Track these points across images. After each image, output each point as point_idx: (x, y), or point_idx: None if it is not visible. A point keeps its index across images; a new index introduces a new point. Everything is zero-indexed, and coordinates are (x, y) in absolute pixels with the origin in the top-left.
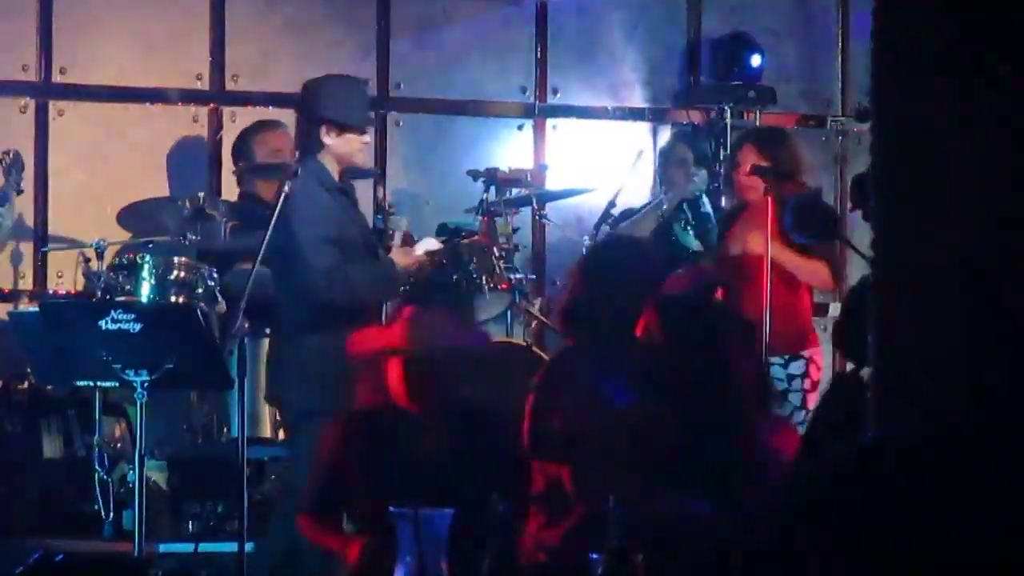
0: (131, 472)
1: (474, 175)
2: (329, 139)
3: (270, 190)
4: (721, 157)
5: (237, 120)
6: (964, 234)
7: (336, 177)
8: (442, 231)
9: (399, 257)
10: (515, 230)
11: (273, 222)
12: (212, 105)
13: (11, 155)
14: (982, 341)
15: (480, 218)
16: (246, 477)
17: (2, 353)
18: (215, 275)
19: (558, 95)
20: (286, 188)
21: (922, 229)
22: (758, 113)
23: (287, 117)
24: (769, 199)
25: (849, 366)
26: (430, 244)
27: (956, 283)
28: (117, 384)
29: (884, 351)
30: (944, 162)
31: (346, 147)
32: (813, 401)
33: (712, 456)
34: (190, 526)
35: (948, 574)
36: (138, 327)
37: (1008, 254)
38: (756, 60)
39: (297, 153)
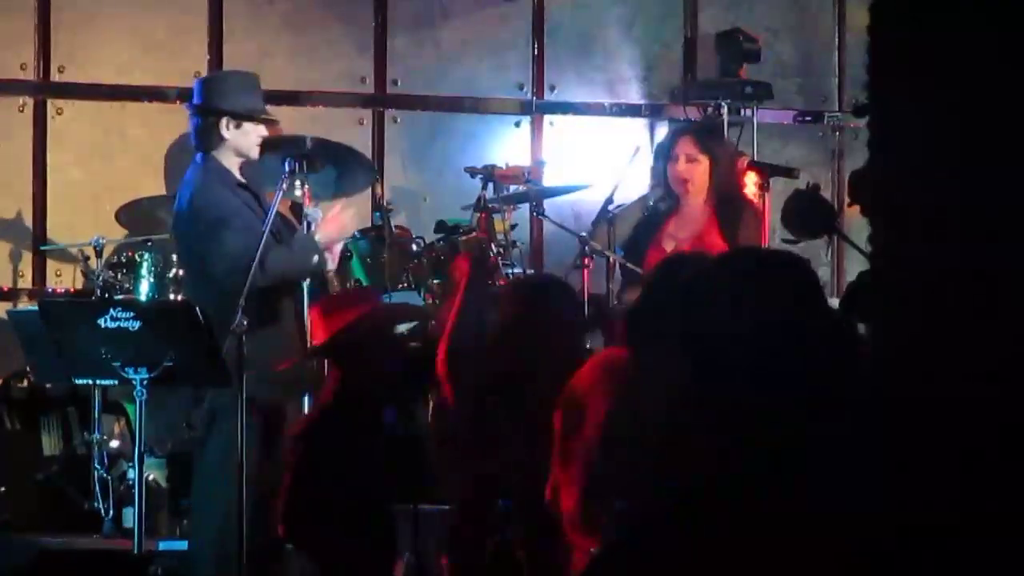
0: (130, 470)
1: (472, 172)
2: (228, 133)
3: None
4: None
5: None
6: (964, 230)
7: (236, 172)
8: (440, 228)
9: (321, 230)
10: (513, 227)
11: (175, 206)
12: None
13: None
14: (983, 336)
15: (478, 215)
16: (244, 474)
17: (1, 351)
18: None
19: (555, 91)
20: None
21: (921, 225)
22: (755, 109)
23: (285, 114)
24: (766, 196)
25: None
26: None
27: (957, 279)
28: (116, 382)
29: (884, 346)
30: (942, 157)
31: (244, 140)
32: None
33: None
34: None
35: None
36: (137, 325)
37: (1008, 250)
38: (757, 56)
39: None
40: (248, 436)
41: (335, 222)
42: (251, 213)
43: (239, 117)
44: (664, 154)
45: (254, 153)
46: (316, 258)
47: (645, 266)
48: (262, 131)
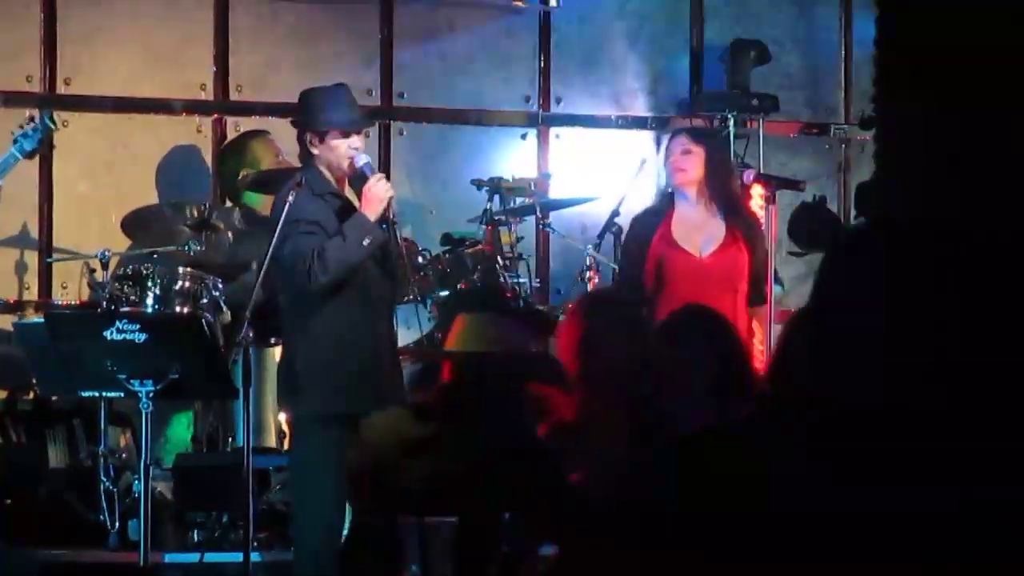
0: (136, 482)
1: (478, 184)
2: (315, 148)
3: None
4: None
5: (241, 130)
6: (968, 240)
7: (333, 183)
8: (446, 241)
9: (366, 204)
10: (519, 239)
11: (277, 230)
12: (216, 115)
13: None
14: (989, 342)
15: (484, 227)
16: (251, 487)
17: (7, 364)
18: (219, 285)
19: (561, 104)
20: (290, 197)
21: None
22: (761, 121)
23: (291, 127)
24: (772, 209)
25: None
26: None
27: (961, 285)
28: (122, 394)
29: None
30: (948, 170)
31: (330, 154)
32: None
33: None
34: (195, 536)
35: None
36: (143, 337)
37: (1013, 257)
38: (766, 56)
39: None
40: (328, 451)
41: (373, 197)
42: (334, 221)
43: (319, 133)
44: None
45: (345, 165)
46: (368, 240)
47: (649, 265)
48: (354, 143)
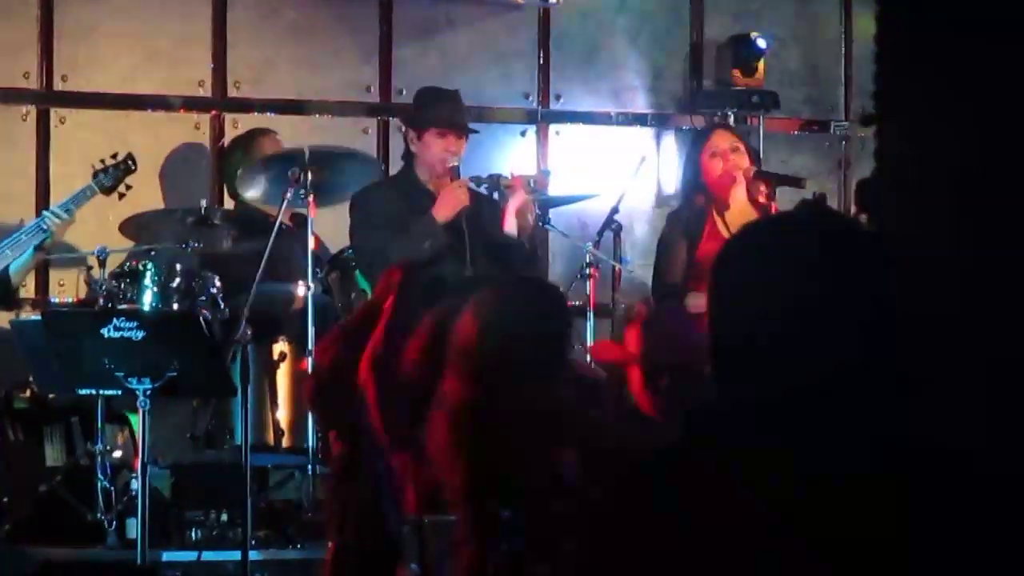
0: (134, 480)
1: (477, 181)
2: (414, 146)
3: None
4: None
5: (239, 127)
6: (970, 236)
7: (429, 184)
8: None
9: (438, 207)
10: None
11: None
12: (214, 112)
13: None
14: (988, 340)
15: None
16: (250, 485)
17: (4, 361)
18: (217, 282)
19: (561, 100)
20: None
21: (927, 232)
22: (761, 118)
23: (289, 123)
24: (772, 206)
25: None
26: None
27: (963, 284)
28: (120, 392)
29: None
30: (949, 166)
31: (426, 152)
32: None
33: None
34: (193, 534)
35: None
36: (140, 335)
37: (1014, 255)
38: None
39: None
40: None
41: (447, 202)
42: (407, 218)
43: (416, 130)
44: (696, 157)
45: (439, 166)
46: (430, 243)
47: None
48: (450, 144)
